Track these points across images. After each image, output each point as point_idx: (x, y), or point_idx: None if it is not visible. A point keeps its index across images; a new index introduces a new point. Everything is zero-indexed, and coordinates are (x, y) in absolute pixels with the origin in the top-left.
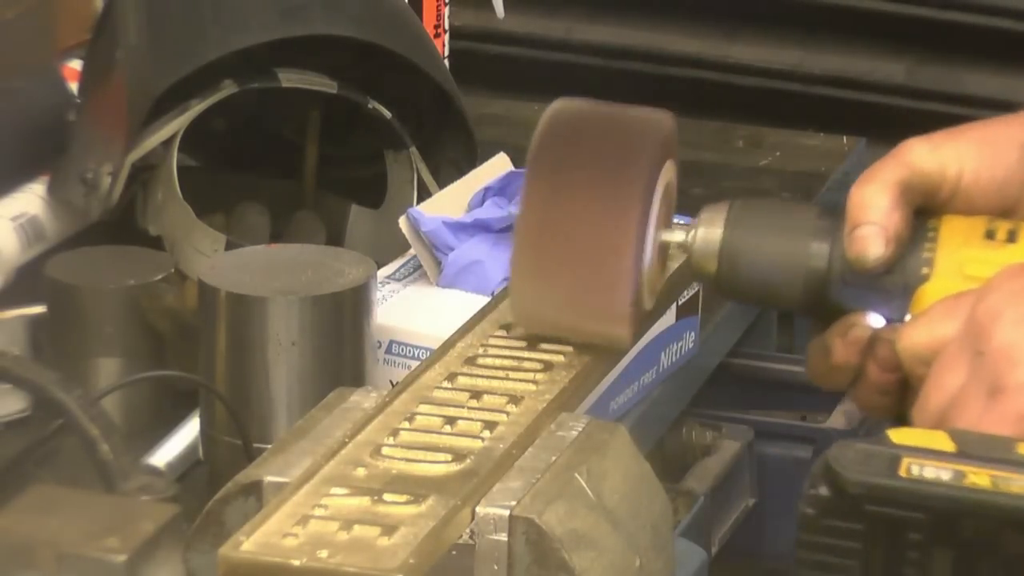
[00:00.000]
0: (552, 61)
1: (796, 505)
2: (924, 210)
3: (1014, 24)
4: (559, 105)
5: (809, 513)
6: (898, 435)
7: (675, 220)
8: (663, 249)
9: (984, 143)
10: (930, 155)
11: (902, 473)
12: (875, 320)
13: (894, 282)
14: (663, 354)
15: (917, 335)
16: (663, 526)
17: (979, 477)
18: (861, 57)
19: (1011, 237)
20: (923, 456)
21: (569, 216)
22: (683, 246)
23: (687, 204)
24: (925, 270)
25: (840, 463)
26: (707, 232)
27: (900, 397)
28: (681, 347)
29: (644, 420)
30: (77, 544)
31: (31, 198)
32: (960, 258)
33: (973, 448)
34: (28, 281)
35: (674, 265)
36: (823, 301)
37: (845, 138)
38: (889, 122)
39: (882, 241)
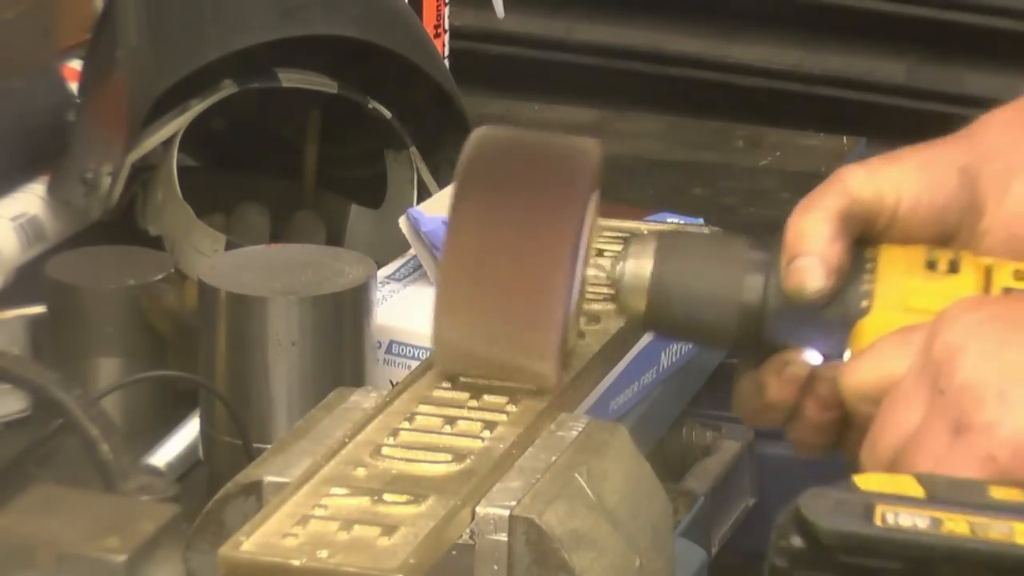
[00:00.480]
0: (552, 61)
1: (765, 559)
2: (861, 240)
3: (1014, 24)
4: (484, 133)
5: (780, 565)
6: (865, 481)
7: (673, 219)
8: (588, 283)
9: (922, 168)
10: (868, 182)
11: (877, 521)
12: (812, 357)
13: (832, 316)
14: (663, 354)
15: (863, 372)
16: (663, 526)
17: (956, 524)
18: (861, 57)
19: (952, 267)
20: (896, 503)
21: (496, 253)
22: (610, 281)
23: (687, 204)
24: (864, 303)
25: (812, 512)
26: (635, 265)
27: (837, 435)
28: (681, 347)
29: (644, 420)
30: (77, 544)
31: (31, 198)
32: (901, 290)
33: (944, 493)
34: (28, 281)
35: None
36: (757, 337)
37: (845, 138)
38: (889, 122)
39: (822, 272)
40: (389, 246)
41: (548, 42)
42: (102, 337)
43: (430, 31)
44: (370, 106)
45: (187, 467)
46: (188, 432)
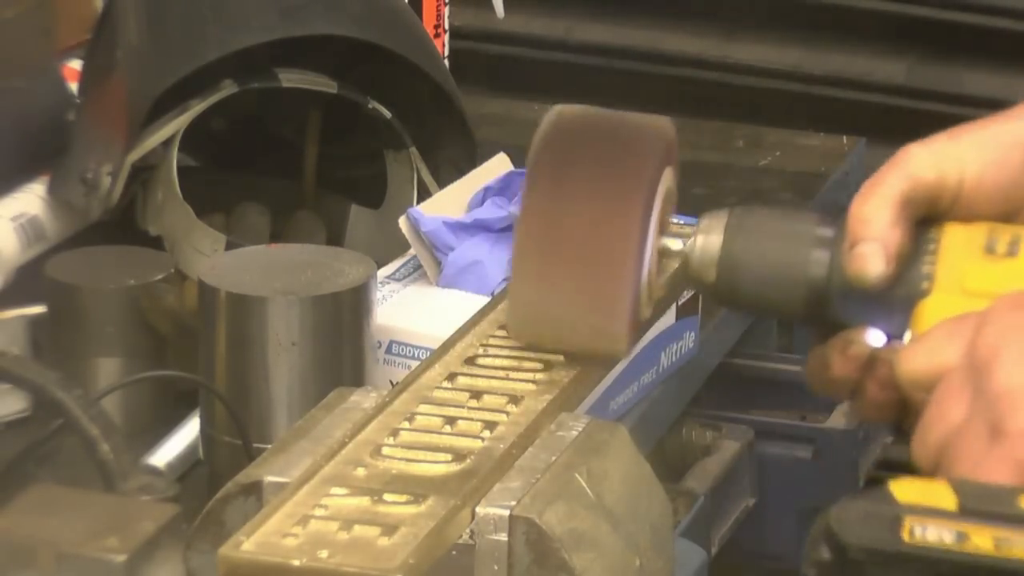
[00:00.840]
0: (552, 61)
1: (801, 565)
2: (925, 218)
3: (1014, 24)
4: (560, 109)
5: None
6: (900, 489)
7: (674, 220)
8: (661, 255)
9: (985, 145)
10: (931, 163)
11: (904, 535)
12: (874, 337)
13: (894, 296)
14: (663, 354)
15: (917, 360)
16: (663, 526)
17: (982, 539)
18: (861, 57)
19: (1011, 250)
20: (924, 516)
21: (570, 225)
22: (682, 253)
23: (687, 204)
24: (925, 284)
25: (841, 525)
26: (706, 239)
27: (898, 413)
28: (681, 347)
29: (644, 420)
30: (77, 544)
31: (31, 198)
32: (960, 272)
33: (975, 502)
34: (28, 281)
35: (672, 266)
36: (823, 313)
37: (845, 138)
38: (889, 122)
39: (882, 258)
40: (389, 246)
41: (548, 42)
42: (102, 337)
43: (430, 31)
44: (370, 106)
45: (187, 467)
46: (188, 432)
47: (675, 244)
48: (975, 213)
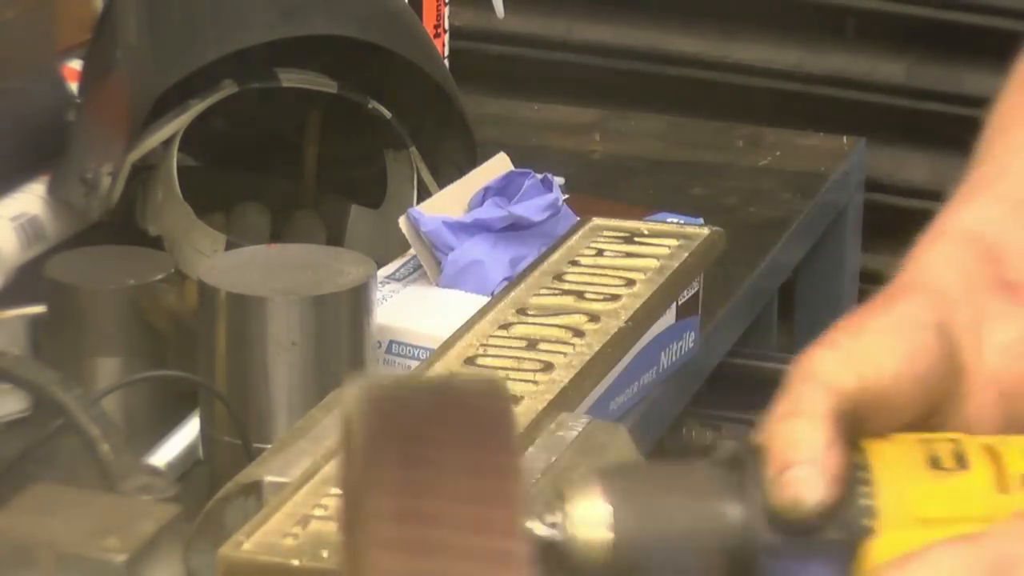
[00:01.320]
0: (552, 61)
1: None
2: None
3: (1014, 24)
4: (371, 391)
5: None
6: None
7: (672, 220)
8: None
9: (896, 336)
10: (846, 368)
11: None
12: None
13: (830, 542)
14: (663, 354)
15: None
16: None
17: None
18: (861, 57)
19: (960, 462)
20: None
21: (434, 531)
22: (558, 543)
23: (687, 204)
24: (867, 521)
25: None
26: (588, 517)
27: None
28: (681, 347)
29: (644, 420)
30: (77, 544)
31: (31, 198)
32: (907, 499)
33: None
34: (28, 281)
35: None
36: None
37: (845, 138)
38: (889, 122)
39: (822, 482)
40: (389, 246)
41: (548, 42)
42: (102, 337)
43: (430, 31)
44: (370, 106)
45: (187, 467)
46: (188, 432)
47: (546, 531)
48: (892, 417)
